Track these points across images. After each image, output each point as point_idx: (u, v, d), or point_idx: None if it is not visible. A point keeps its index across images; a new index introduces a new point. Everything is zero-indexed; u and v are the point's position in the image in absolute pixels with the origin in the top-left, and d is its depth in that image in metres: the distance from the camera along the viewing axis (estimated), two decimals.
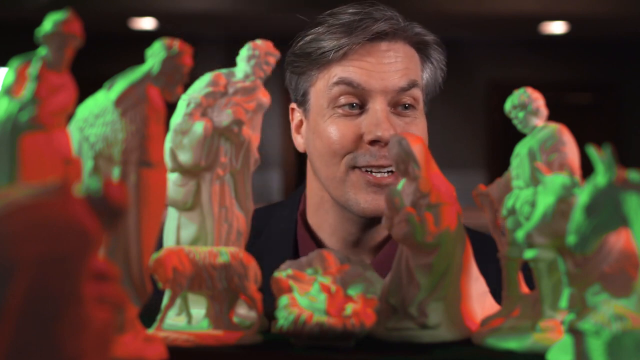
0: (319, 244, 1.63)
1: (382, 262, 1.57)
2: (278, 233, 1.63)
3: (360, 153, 1.53)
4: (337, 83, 1.54)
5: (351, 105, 1.54)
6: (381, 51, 1.55)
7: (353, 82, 1.53)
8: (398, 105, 1.55)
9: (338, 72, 1.55)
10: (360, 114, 1.54)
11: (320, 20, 1.60)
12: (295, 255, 1.61)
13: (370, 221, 1.58)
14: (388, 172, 1.53)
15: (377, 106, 1.52)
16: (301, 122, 1.64)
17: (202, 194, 1.15)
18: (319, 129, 1.57)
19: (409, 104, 1.55)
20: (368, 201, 1.53)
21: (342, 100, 1.54)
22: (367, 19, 1.55)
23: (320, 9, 1.66)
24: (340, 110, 1.54)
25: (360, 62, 1.54)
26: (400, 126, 1.53)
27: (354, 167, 1.53)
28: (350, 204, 1.55)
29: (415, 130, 1.54)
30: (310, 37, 1.58)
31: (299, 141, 1.65)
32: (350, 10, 1.58)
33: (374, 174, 1.52)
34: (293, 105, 1.65)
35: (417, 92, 1.56)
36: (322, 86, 1.57)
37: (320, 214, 1.64)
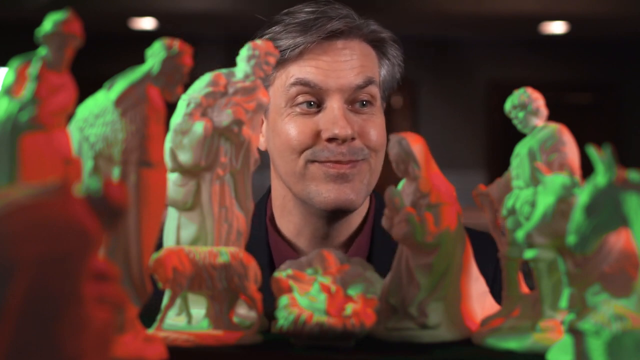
0: (290, 246, 1.63)
1: (354, 256, 1.58)
2: (250, 243, 1.64)
3: (318, 149, 1.54)
4: (294, 84, 1.55)
5: (309, 104, 1.55)
6: (337, 49, 1.56)
7: (310, 82, 1.54)
8: (355, 103, 1.56)
9: (295, 72, 1.56)
10: (318, 112, 1.55)
11: (277, 19, 1.61)
12: (271, 261, 1.61)
13: (334, 214, 1.58)
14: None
15: (334, 104, 1.54)
16: (262, 121, 1.65)
17: (202, 194, 1.15)
18: (277, 127, 1.59)
19: (366, 101, 1.56)
20: (329, 190, 1.54)
21: (300, 99, 1.55)
22: (322, 18, 1.56)
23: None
24: (298, 109, 1.56)
25: (316, 61, 1.55)
26: (358, 123, 1.55)
27: (313, 161, 1.55)
28: (311, 196, 1.56)
29: (373, 126, 1.56)
30: (267, 36, 1.59)
31: (260, 140, 1.66)
32: (307, 9, 1.60)
33: (334, 162, 1.54)
34: None
35: (374, 89, 1.57)
36: (280, 86, 1.58)
37: (285, 215, 1.64)
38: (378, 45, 1.61)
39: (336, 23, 1.56)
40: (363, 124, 1.55)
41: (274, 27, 1.59)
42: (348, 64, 1.55)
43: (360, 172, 1.55)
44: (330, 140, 1.53)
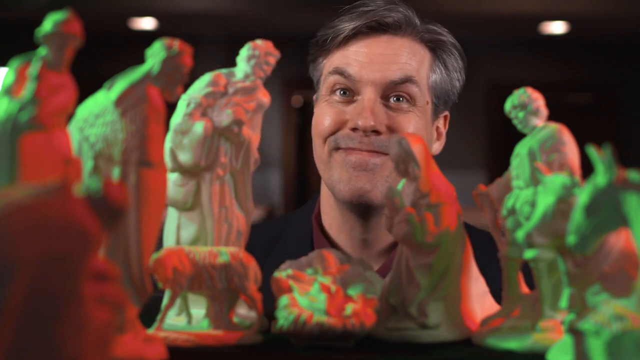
0: (333, 244, 1.63)
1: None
2: (295, 238, 1.65)
3: (340, 135, 1.55)
4: (332, 72, 1.57)
5: (343, 92, 1.56)
6: (382, 43, 1.56)
7: (345, 72, 1.55)
8: (391, 98, 1.55)
9: (336, 60, 1.57)
10: (353, 102, 1.56)
11: (343, 10, 1.62)
12: None
13: (366, 212, 1.58)
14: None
15: (365, 96, 1.54)
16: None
17: (202, 194, 1.15)
18: (315, 114, 1.61)
19: (402, 97, 1.55)
20: (349, 179, 1.54)
21: (337, 88, 1.57)
22: (374, 11, 1.57)
23: (320, 9, 1.67)
24: (335, 97, 1.57)
25: (357, 52, 1.56)
26: (390, 117, 1.54)
27: (337, 149, 1.56)
28: (334, 185, 1.57)
29: (407, 123, 1.55)
30: (325, 25, 1.61)
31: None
32: (372, 3, 1.60)
33: (355, 151, 1.54)
34: (314, 96, 1.69)
35: (413, 89, 1.56)
36: (324, 73, 1.60)
37: (328, 211, 1.65)
38: (434, 48, 1.60)
39: (384, 13, 1.56)
40: (396, 119, 1.54)
41: (336, 17, 1.61)
42: (389, 59, 1.55)
43: (383, 166, 1.54)
44: (354, 130, 1.54)
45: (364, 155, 1.53)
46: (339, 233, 1.63)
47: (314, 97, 1.67)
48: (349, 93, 1.56)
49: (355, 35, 1.57)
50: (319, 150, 1.59)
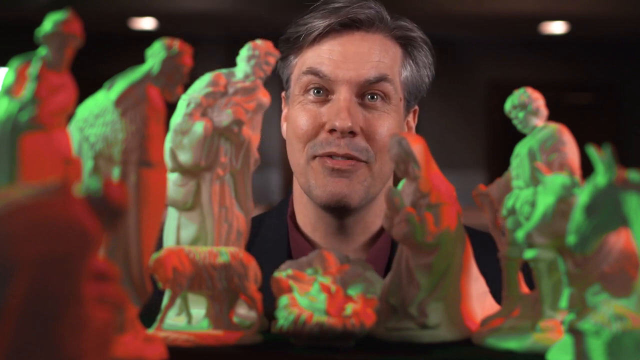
0: (310, 242, 1.63)
1: (374, 258, 1.57)
2: (271, 240, 1.64)
3: (319, 141, 1.54)
4: (305, 72, 1.56)
5: (318, 93, 1.55)
6: (355, 41, 1.55)
7: (320, 72, 1.54)
8: (366, 96, 1.54)
9: (309, 60, 1.56)
10: (327, 101, 1.55)
11: (314, 7, 1.61)
12: (290, 258, 1.60)
13: (335, 210, 1.58)
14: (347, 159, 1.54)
15: (341, 96, 1.53)
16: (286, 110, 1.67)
17: (202, 194, 1.15)
18: (290, 115, 1.60)
19: (376, 95, 1.54)
20: (325, 184, 1.53)
21: (311, 87, 1.56)
22: (347, 7, 1.56)
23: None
24: (309, 97, 1.56)
25: (330, 50, 1.55)
26: (365, 118, 1.53)
27: (314, 157, 1.54)
28: (311, 190, 1.56)
29: (381, 124, 1.54)
30: (294, 22, 1.60)
31: (284, 129, 1.66)
32: (341, 0, 1.59)
33: (332, 158, 1.53)
34: (283, 93, 1.67)
35: (388, 87, 1.55)
36: (296, 73, 1.59)
37: (301, 210, 1.64)
38: (405, 45, 1.59)
39: (357, 10, 1.55)
40: (371, 122, 1.54)
41: (305, 14, 1.59)
42: (362, 57, 1.54)
43: (359, 173, 1.54)
44: (331, 131, 1.52)
45: (341, 164, 1.52)
46: (313, 231, 1.63)
47: (283, 94, 1.66)
48: (323, 92, 1.54)
49: (327, 32, 1.55)
50: (298, 155, 1.57)
